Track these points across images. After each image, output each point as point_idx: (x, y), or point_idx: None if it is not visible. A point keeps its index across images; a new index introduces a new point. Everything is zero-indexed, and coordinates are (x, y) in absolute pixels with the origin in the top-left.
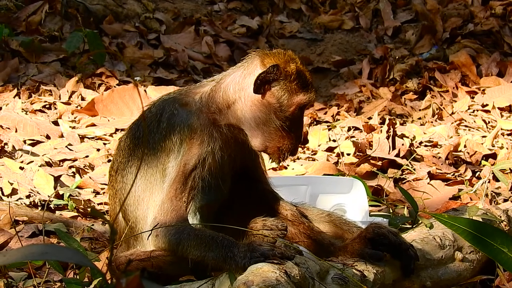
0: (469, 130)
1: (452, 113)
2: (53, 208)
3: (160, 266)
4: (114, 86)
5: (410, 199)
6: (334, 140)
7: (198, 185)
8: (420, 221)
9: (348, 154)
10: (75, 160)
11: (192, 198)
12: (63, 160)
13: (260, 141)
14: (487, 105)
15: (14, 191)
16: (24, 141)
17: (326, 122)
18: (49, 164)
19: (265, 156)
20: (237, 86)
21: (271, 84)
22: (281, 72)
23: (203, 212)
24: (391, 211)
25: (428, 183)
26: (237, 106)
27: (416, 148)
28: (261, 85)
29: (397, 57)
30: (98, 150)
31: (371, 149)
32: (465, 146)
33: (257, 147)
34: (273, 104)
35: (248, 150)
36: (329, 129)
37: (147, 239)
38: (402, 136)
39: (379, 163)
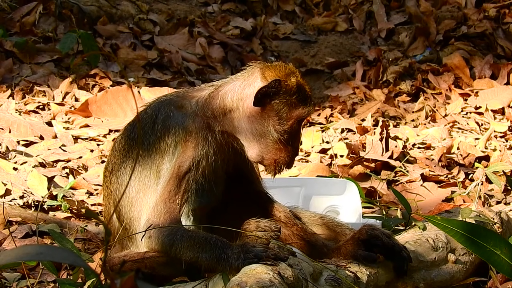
0: (462, 132)
1: (445, 115)
2: (46, 208)
3: (153, 267)
4: (108, 87)
5: (403, 201)
6: (327, 142)
7: (191, 188)
8: (413, 223)
9: (342, 156)
10: (68, 161)
11: (185, 201)
12: (57, 161)
13: (256, 152)
14: (480, 107)
15: (7, 192)
16: (18, 142)
17: (320, 123)
18: (42, 165)
19: (261, 167)
20: (236, 96)
21: (271, 97)
22: (282, 86)
23: (196, 214)
24: (384, 213)
25: (421, 185)
26: (234, 115)
27: (409, 150)
28: (262, 98)
29: (390, 59)
30: (92, 151)
31: (364, 151)
32: (458, 148)
33: (253, 158)
34: (272, 117)
35: (242, 156)
36: (323, 131)
37: (141, 240)
38: (395, 138)
39: (372, 165)
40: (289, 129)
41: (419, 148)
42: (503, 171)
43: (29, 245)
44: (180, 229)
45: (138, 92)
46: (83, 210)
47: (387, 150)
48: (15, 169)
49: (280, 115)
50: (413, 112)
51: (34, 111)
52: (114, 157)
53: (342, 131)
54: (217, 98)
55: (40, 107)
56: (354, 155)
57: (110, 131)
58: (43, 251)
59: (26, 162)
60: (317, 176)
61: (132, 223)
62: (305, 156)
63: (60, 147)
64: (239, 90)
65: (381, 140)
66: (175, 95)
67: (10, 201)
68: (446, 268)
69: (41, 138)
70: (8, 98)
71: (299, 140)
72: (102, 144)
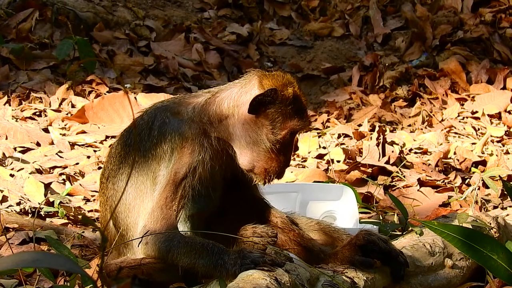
0: (458, 137)
1: (442, 120)
2: (43, 215)
3: (150, 273)
4: (104, 93)
5: (400, 206)
6: (324, 147)
7: (188, 194)
8: (410, 228)
9: (338, 161)
10: (65, 167)
11: (182, 207)
12: (54, 167)
13: (248, 160)
14: (476, 112)
15: (4, 198)
16: (15, 148)
17: (316, 129)
18: (39, 171)
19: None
20: (232, 103)
21: (266, 106)
22: (278, 95)
23: (193, 220)
24: (381, 218)
25: (418, 190)
26: (229, 122)
27: (406, 155)
28: (257, 106)
29: (387, 64)
30: (89, 157)
31: (361, 156)
32: (455, 153)
33: (244, 166)
34: (265, 126)
35: (236, 163)
36: (319, 136)
37: (138, 246)
38: (392, 143)
39: (369, 170)
40: (282, 140)
41: (415, 153)
42: (499, 176)
43: (26, 252)
44: (177, 235)
45: (135, 98)
46: (80, 217)
47: (383, 155)
48: (11, 175)
49: (274, 124)
50: (409, 117)
51: (30, 118)
52: (110, 164)
53: (339, 136)
54: (213, 104)
55: (37, 113)
56: (350, 161)
57: (107, 137)
58: (40, 258)
59: (22, 168)
60: (314, 181)
61: (128, 229)
62: (301, 162)
63: (56, 154)
64: (236, 97)
65: (377, 145)
66: (172, 101)
67: (7, 207)
68: (443, 273)
69: (38, 144)
70: (4, 104)
71: (291, 152)
72: (99, 150)
